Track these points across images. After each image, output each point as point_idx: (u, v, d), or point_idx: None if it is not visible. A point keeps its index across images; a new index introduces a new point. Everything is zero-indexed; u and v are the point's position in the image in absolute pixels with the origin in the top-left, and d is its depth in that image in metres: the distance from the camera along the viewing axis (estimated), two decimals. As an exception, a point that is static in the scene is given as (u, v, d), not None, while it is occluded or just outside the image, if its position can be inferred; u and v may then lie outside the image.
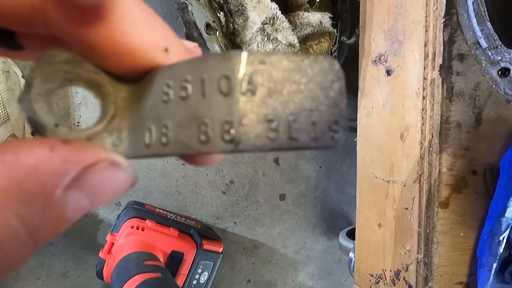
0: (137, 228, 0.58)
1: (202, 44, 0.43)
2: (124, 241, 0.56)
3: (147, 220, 0.60)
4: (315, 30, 0.61)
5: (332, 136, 0.12)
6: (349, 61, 0.74)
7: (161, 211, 0.67)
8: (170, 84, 0.12)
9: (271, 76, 0.11)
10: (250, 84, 0.11)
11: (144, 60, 0.12)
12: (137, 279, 0.46)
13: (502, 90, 0.39)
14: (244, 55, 0.11)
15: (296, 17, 0.60)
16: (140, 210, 0.62)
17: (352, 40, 0.67)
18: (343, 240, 0.78)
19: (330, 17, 0.65)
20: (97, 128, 0.13)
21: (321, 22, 0.63)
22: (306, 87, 0.12)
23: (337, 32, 0.71)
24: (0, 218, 0.09)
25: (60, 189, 0.10)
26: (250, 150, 0.11)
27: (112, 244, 0.58)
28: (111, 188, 0.11)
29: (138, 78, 0.13)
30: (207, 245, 0.62)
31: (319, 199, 0.83)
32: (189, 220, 0.68)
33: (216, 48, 0.45)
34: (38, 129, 0.11)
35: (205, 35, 0.43)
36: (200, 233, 0.64)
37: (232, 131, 0.10)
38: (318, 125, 0.12)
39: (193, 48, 0.15)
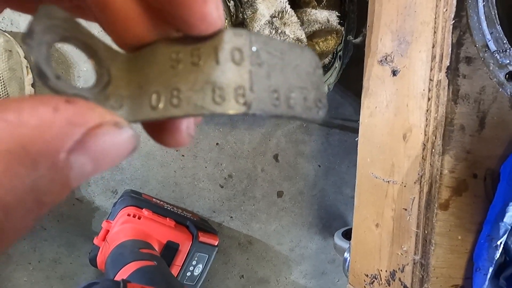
0: (134, 216, 0.58)
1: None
2: (120, 228, 0.56)
3: (143, 209, 0.60)
4: (322, 27, 0.61)
5: (317, 111, 0.14)
6: (353, 61, 0.74)
7: (158, 201, 0.66)
8: (180, 52, 0.13)
9: (273, 55, 0.13)
10: (258, 58, 0.12)
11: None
12: (132, 266, 0.46)
13: (509, 93, 0.39)
14: (253, 33, 0.12)
15: (303, 14, 0.60)
16: (137, 199, 0.62)
17: (358, 39, 0.67)
18: (338, 240, 0.78)
19: (337, 16, 0.65)
20: (94, 90, 0.13)
21: (328, 20, 0.63)
22: (297, 69, 0.14)
23: (343, 32, 0.71)
24: (5, 182, 0.09)
25: (64, 152, 0.10)
26: (258, 114, 0.12)
27: (108, 231, 0.58)
28: (115, 152, 0.11)
29: (136, 49, 0.13)
30: (203, 238, 0.62)
31: (316, 198, 0.83)
32: (185, 212, 0.68)
33: (224, 37, 0.45)
34: (40, 76, 0.11)
35: (214, 23, 0.43)
36: (196, 225, 0.64)
37: (246, 95, 0.12)
38: (307, 100, 0.14)
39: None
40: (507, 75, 0.38)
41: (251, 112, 0.12)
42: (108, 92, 0.13)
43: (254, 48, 0.12)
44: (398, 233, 0.53)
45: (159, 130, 0.14)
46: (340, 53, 0.72)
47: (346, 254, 0.70)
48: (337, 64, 0.72)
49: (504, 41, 0.39)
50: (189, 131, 0.15)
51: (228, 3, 0.45)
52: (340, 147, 0.83)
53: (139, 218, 0.58)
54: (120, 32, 0.13)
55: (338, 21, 0.65)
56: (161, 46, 0.13)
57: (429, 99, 0.48)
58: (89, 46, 0.13)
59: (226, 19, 0.44)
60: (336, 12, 0.65)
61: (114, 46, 0.14)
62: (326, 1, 0.68)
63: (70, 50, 0.63)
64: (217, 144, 0.73)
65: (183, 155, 0.71)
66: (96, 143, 0.10)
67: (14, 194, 0.09)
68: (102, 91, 0.13)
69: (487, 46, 0.40)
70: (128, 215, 0.58)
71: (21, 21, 0.59)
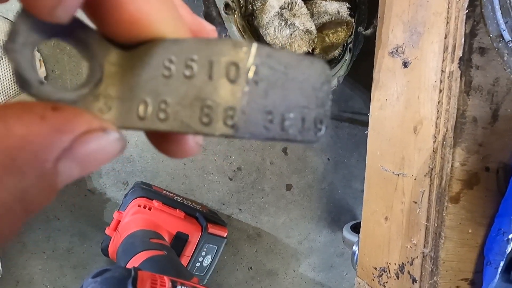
0: (144, 207, 0.59)
1: (220, 23, 0.43)
2: (131, 219, 0.57)
3: (154, 200, 0.61)
4: (332, 19, 0.61)
5: (316, 132, 0.13)
6: (364, 53, 0.73)
7: (168, 193, 0.67)
8: (173, 59, 0.12)
9: (275, 71, 0.12)
10: (256, 75, 0.11)
11: (148, 33, 0.12)
12: (143, 255, 0.47)
13: (523, 84, 0.38)
14: (254, 46, 0.11)
15: (313, 5, 0.60)
16: (148, 190, 0.63)
17: (369, 31, 0.67)
18: (347, 233, 0.78)
19: (347, 7, 0.64)
20: (83, 92, 0.12)
21: (338, 12, 0.63)
22: (302, 85, 0.12)
23: (353, 23, 0.70)
24: None
25: (52, 161, 0.10)
26: (247, 137, 0.11)
27: (119, 221, 0.59)
28: (101, 156, 0.11)
29: (132, 45, 0.12)
30: (212, 229, 0.63)
31: (325, 192, 0.83)
32: (195, 204, 0.68)
33: (233, 28, 0.44)
34: (23, 85, 0.11)
35: (223, 14, 0.43)
36: (205, 216, 0.65)
37: (235, 117, 0.11)
38: (306, 121, 0.13)
39: (211, 31, 0.15)
40: (521, 66, 0.38)
41: (239, 135, 0.11)
42: (99, 91, 0.12)
43: (253, 63, 0.11)
44: (407, 226, 0.53)
45: (163, 139, 0.14)
46: (350, 45, 0.72)
47: (354, 247, 0.70)
48: (347, 57, 0.71)
49: (519, 31, 0.38)
50: (196, 139, 0.14)
51: (238, -5, 0.45)
52: (349, 141, 0.82)
53: (149, 209, 0.59)
54: (114, 32, 0.12)
55: (349, 12, 0.64)
56: (158, 47, 0.12)
57: (440, 90, 0.48)
58: (81, 40, 0.12)
59: (236, 10, 0.44)
60: (347, 4, 0.64)
61: (108, 41, 0.13)
62: (337, -8, 0.68)
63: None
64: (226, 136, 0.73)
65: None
66: (83, 149, 0.10)
67: (3, 204, 0.09)
68: (93, 90, 0.12)
69: (501, 36, 0.39)
70: (139, 206, 0.59)
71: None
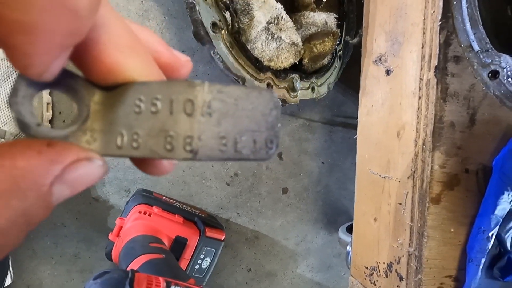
0: (145, 213, 0.62)
1: (209, 41, 0.46)
2: (132, 224, 0.60)
3: (154, 207, 0.64)
4: (320, 30, 0.63)
5: (267, 151, 0.15)
6: (355, 60, 0.75)
7: (168, 199, 0.70)
8: (142, 98, 0.14)
9: (226, 103, 0.14)
10: (209, 108, 0.13)
11: (122, 78, 0.15)
12: (142, 258, 0.50)
13: (492, 92, 0.41)
14: (206, 84, 0.13)
15: (302, 17, 0.63)
16: (148, 197, 0.66)
17: (355, 40, 0.69)
18: (342, 234, 0.80)
19: (335, 17, 0.67)
20: (73, 128, 0.15)
21: (326, 22, 0.66)
22: (252, 112, 0.15)
23: (343, 32, 0.73)
24: (3, 212, 0.12)
25: (47, 185, 0.13)
26: (204, 160, 0.14)
27: (121, 227, 0.62)
28: (87, 179, 0.14)
29: (111, 87, 0.15)
30: (210, 233, 0.66)
31: (320, 194, 0.86)
32: (194, 209, 0.71)
33: (221, 45, 0.48)
34: (23, 128, 0.14)
35: (211, 33, 0.46)
36: (203, 221, 0.68)
37: (193, 144, 0.13)
38: (257, 142, 0.15)
39: (186, 62, 0.18)
40: (489, 74, 0.40)
41: (197, 158, 0.13)
42: (86, 126, 0.15)
43: (206, 99, 0.13)
44: (394, 227, 0.55)
45: (142, 161, 0.17)
46: (340, 53, 0.75)
47: (348, 248, 0.72)
48: (337, 64, 0.74)
49: (487, 42, 0.40)
50: (169, 160, 0.17)
51: (224, 13, 0.48)
52: (343, 144, 0.85)
53: (149, 215, 0.62)
54: (95, 78, 0.15)
55: (336, 22, 0.67)
56: (130, 89, 0.15)
57: (419, 97, 0.50)
58: (70, 86, 0.15)
59: (223, 29, 0.48)
60: (334, 14, 0.67)
61: (92, 84, 0.15)
62: (325, 3, 0.71)
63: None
64: (223, 144, 0.76)
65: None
66: (72, 174, 0.14)
67: (10, 220, 0.12)
68: (81, 126, 0.15)
69: (471, 46, 0.42)
70: (140, 212, 0.62)
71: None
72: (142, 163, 0.17)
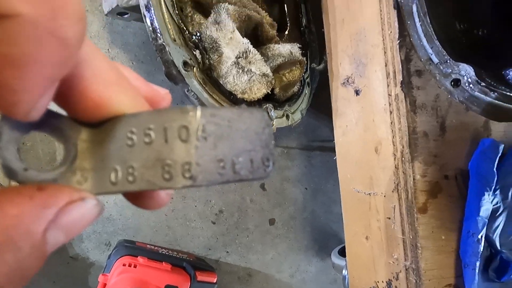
0: (129, 266, 0.58)
1: (181, 80, 0.47)
2: (117, 279, 0.56)
3: (138, 257, 0.61)
4: (286, 60, 0.66)
5: (265, 169, 0.15)
6: (322, 85, 0.78)
7: (152, 247, 0.67)
8: (134, 130, 0.14)
9: (220, 126, 0.14)
10: (204, 132, 0.13)
11: (110, 112, 0.14)
12: (133, 315, 0.46)
13: (457, 98, 0.43)
14: (199, 109, 0.13)
15: (267, 50, 0.65)
16: (131, 248, 0.62)
17: (321, 66, 0.72)
18: (335, 258, 0.79)
19: (299, 47, 0.70)
20: (61, 170, 0.14)
21: (291, 52, 0.68)
22: (246, 133, 0.15)
23: (307, 60, 0.76)
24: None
25: (41, 233, 0.12)
26: (205, 184, 0.13)
27: (105, 284, 0.58)
28: (82, 222, 0.13)
29: (99, 123, 0.15)
30: (201, 277, 0.62)
31: (308, 221, 0.85)
32: (181, 254, 0.68)
33: (194, 83, 0.48)
34: (10, 174, 0.13)
35: (183, 72, 0.46)
36: (193, 265, 0.64)
37: (191, 170, 0.13)
38: (255, 162, 0.15)
39: (165, 94, 0.18)
40: (452, 83, 0.43)
41: (197, 184, 0.13)
42: (75, 166, 0.14)
43: (200, 123, 0.13)
44: (387, 242, 0.55)
45: (137, 196, 0.16)
46: (308, 79, 0.77)
47: (344, 272, 0.71)
48: (306, 91, 0.76)
49: (444, 54, 0.43)
50: (166, 190, 0.16)
51: (194, 52, 0.49)
52: (323, 168, 0.86)
53: (134, 266, 0.58)
54: (81, 115, 0.14)
55: (301, 52, 0.70)
56: (120, 122, 0.14)
57: (391, 112, 0.52)
58: (55, 127, 0.14)
59: (195, 66, 0.48)
60: (298, 44, 0.70)
61: (77, 122, 0.15)
62: (287, 35, 0.74)
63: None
64: (203, 182, 0.75)
65: (172, 198, 0.73)
66: (67, 218, 0.13)
67: (4, 276, 0.11)
68: (70, 166, 0.14)
69: (430, 59, 0.44)
70: (124, 265, 0.58)
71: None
72: (138, 197, 0.16)
